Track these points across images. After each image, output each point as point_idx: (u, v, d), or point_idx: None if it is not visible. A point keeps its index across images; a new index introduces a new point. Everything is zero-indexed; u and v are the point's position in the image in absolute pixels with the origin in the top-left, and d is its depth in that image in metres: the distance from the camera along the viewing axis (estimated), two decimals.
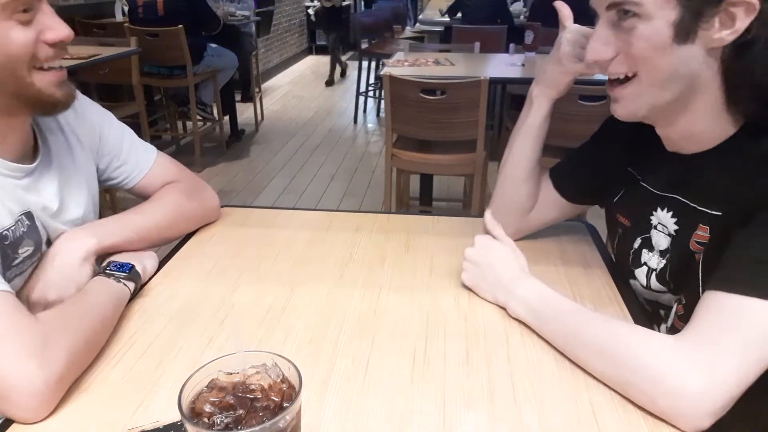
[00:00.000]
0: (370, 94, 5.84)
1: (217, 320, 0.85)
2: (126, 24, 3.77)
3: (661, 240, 0.86)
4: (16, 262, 0.82)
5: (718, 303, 0.67)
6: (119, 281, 0.85)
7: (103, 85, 3.61)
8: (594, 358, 0.73)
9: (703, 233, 0.78)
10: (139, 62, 3.37)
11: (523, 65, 3.00)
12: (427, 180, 2.91)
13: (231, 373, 0.56)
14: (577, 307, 0.79)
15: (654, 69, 0.74)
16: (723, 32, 0.69)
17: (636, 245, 0.91)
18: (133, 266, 0.89)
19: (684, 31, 0.70)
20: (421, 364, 0.76)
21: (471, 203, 2.71)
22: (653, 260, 0.88)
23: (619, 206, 0.97)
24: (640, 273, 0.91)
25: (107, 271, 0.86)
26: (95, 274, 0.87)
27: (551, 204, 1.05)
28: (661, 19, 0.71)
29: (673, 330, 0.85)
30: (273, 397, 0.54)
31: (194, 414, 0.52)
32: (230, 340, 0.80)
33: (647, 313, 0.92)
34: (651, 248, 0.88)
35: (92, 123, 1.01)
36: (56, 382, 0.67)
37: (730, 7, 0.68)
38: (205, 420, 0.52)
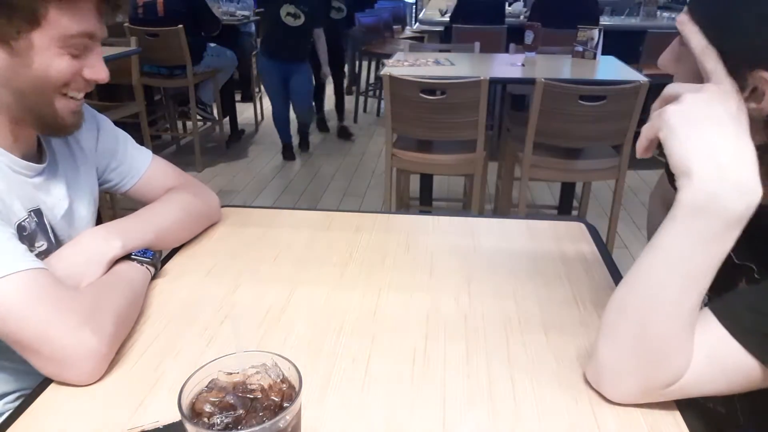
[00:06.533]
0: (370, 94, 5.84)
1: (217, 320, 0.85)
2: (126, 24, 3.77)
3: None
4: (33, 255, 0.82)
5: None
6: (143, 265, 0.90)
7: (102, 85, 3.59)
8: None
9: None
10: (139, 62, 3.37)
11: (523, 65, 3.00)
12: (427, 180, 2.91)
13: (231, 373, 0.56)
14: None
15: None
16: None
17: None
18: (154, 253, 0.94)
19: None
20: (421, 364, 0.76)
21: (471, 203, 2.71)
22: None
23: None
24: None
25: (132, 257, 0.90)
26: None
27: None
28: None
29: None
30: (273, 397, 0.54)
31: (194, 414, 0.52)
32: (230, 340, 0.80)
33: None
34: None
35: (90, 126, 1.02)
36: (108, 346, 0.73)
37: None
38: (205, 420, 0.52)
